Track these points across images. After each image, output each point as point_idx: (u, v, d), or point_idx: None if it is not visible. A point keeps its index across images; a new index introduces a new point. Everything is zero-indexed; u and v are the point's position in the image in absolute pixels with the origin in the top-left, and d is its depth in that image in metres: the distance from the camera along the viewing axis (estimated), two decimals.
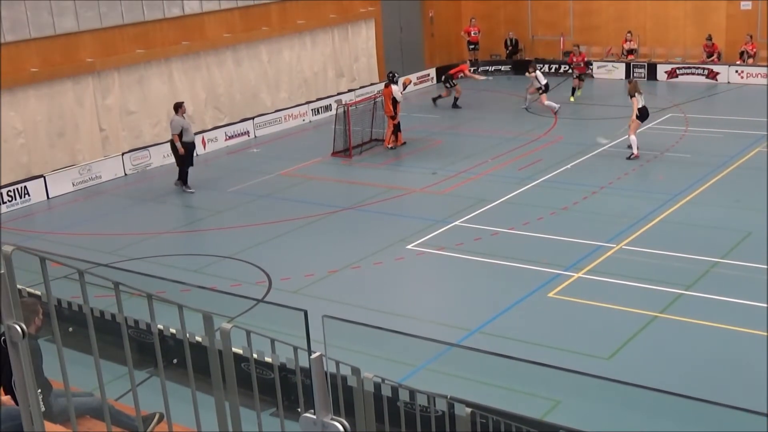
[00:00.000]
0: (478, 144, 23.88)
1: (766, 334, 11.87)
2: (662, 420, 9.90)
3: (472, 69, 30.73)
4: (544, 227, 16.67)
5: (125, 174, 22.85)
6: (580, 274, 14.30)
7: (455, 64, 34.56)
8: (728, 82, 31.50)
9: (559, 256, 15.12)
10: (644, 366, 11.26)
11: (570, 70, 30.97)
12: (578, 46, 30.95)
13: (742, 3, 32.74)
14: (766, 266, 14.14)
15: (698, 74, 32.33)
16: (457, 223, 17.23)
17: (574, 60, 30.36)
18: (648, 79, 33.24)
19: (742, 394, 10.36)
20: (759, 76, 31.21)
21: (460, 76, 29.08)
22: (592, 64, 32.18)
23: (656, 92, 31.18)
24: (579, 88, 29.76)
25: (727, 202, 17.71)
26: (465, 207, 18.10)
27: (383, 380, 7.65)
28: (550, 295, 13.60)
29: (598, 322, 12.66)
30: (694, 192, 18.40)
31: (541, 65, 34.76)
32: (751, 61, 32.12)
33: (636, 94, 21.41)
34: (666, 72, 33.01)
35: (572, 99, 29.28)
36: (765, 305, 12.74)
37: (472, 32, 36.29)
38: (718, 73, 31.91)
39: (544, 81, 27.28)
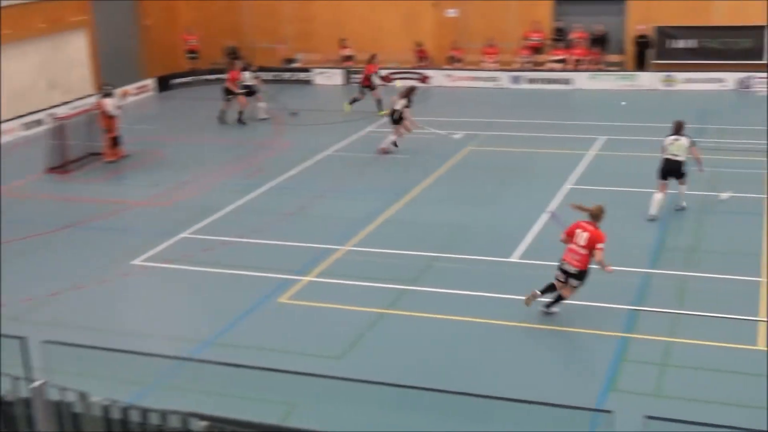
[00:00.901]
0: (203, 153, 23.65)
1: (485, 321, 12.65)
2: (397, 413, 10.23)
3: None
4: (273, 233, 16.78)
5: None
6: (310, 278, 14.52)
7: (176, 74, 34.11)
8: (440, 85, 33.19)
9: (289, 260, 15.27)
10: (376, 362, 11.61)
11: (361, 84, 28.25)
12: (373, 56, 28.85)
13: (448, 10, 34.62)
14: (482, 257, 15.07)
15: (412, 78, 33.79)
16: (184, 234, 16.95)
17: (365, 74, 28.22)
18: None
19: (470, 380, 10.95)
20: (467, 79, 33.15)
21: None
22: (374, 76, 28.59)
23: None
24: (352, 103, 28.00)
25: (443, 198, 18.64)
26: (192, 217, 17.83)
27: (113, 402, 7.38)
28: (282, 300, 13.71)
29: (329, 323, 12.90)
30: (414, 191, 19.23)
31: (261, 72, 35.07)
32: (458, 65, 34.04)
33: (400, 98, 22.72)
34: (381, 77, 34.19)
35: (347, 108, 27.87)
36: (484, 294, 13.56)
37: (191, 41, 35.86)
38: (429, 77, 33.54)
39: (248, 82, 27.46)
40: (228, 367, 10.87)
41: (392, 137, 22.84)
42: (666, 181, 16.87)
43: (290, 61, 36.43)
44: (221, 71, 36.21)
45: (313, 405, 10.44)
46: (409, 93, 23.16)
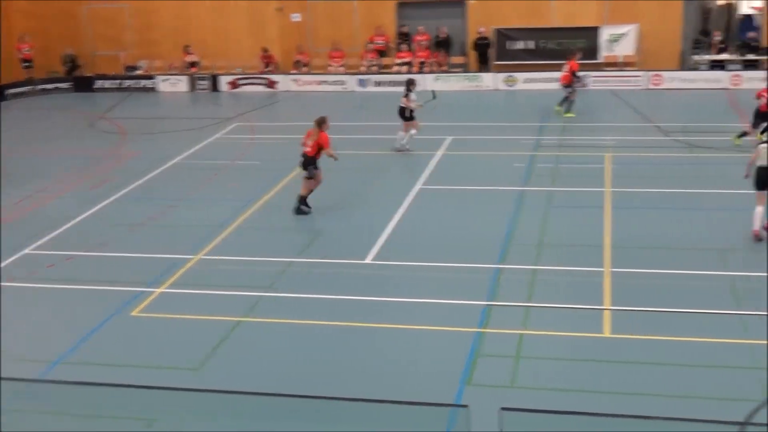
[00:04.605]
0: (46, 165, 22.77)
1: (343, 323, 12.70)
2: (259, 421, 10.12)
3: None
4: (122, 245, 16.31)
5: None
6: (162, 289, 14.19)
7: (12, 84, 32.74)
8: (287, 90, 33.15)
9: (140, 272, 14.88)
10: (235, 371, 11.44)
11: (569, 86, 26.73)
12: (575, 54, 27.29)
13: (292, 15, 34.63)
14: (337, 260, 15.12)
15: (259, 84, 33.66)
16: (27, 251, 16.25)
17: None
18: (212, 90, 33.93)
19: (330, 383, 10.97)
20: (314, 83, 33.23)
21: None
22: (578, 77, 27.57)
23: (221, 103, 31.96)
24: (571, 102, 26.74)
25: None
26: (36, 233, 17.12)
27: None
28: (134, 313, 13.33)
29: (185, 334, 12.64)
30: (266, 196, 19.10)
31: (102, 80, 34.31)
32: (305, 69, 34.08)
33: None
34: (228, 83, 33.98)
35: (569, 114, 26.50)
36: (340, 297, 13.61)
37: (24, 49, 34.57)
38: (276, 82, 33.48)
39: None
40: (81, 386, 10.54)
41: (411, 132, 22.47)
42: None
43: (133, 68, 35.63)
44: (60, 80, 35.17)
45: (173, 419, 10.21)
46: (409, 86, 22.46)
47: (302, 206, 17.66)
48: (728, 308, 12.73)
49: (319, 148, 17.51)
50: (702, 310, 12.69)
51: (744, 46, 32.44)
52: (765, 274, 13.88)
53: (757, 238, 15.18)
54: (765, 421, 9.76)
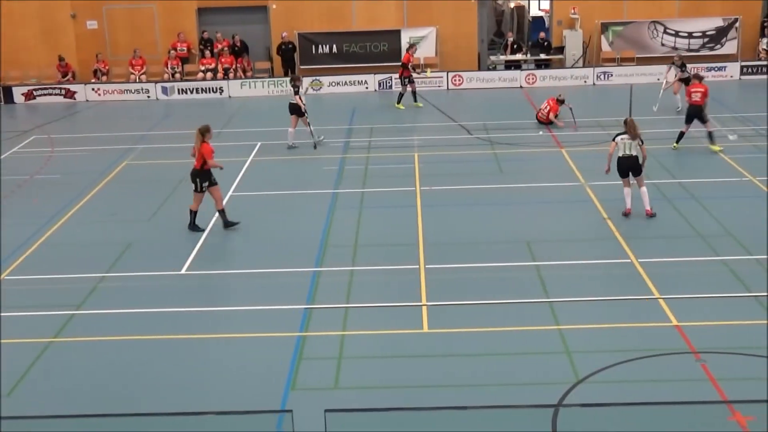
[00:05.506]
0: None
1: (163, 337, 12.40)
2: None
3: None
4: None
5: None
6: None
7: None
8: (87, 100, 31.99)
9: None
10: (49, 395, 10.95)
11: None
12: (411, 47, 29.06)
13: (88, 22, 33.46)
14: (152, 273, 14.75)
15: (56, 94, 32.31)
16: None
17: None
18: (5, 102, 32.27)
19: (153, 399, 10.70)
20: (116, 92, 32.20)
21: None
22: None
23: (16, 115, 30.48)
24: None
25: (103, 216, 17.97)
26: None
27: None
28: None
29: None
30: (71, 211, 18.35)
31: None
32: (105, 78, 32.99)
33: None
34: (23, 94, 32.42)
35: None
36: (158, 309, 13.28)
37: None
38: (75, 92, 32.23)
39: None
40: None
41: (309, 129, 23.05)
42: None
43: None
44: None
45: None
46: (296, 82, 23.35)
47: (197, 222, 16.77)
48: (537, 297, 13.33)
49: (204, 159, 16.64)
50: (513, 300, 13.22)
51: (536, 46, 34.01)
52: (568, 262, 14.64)
53: (626, 216, 16.60)
54: (577, 402, 10.29)
